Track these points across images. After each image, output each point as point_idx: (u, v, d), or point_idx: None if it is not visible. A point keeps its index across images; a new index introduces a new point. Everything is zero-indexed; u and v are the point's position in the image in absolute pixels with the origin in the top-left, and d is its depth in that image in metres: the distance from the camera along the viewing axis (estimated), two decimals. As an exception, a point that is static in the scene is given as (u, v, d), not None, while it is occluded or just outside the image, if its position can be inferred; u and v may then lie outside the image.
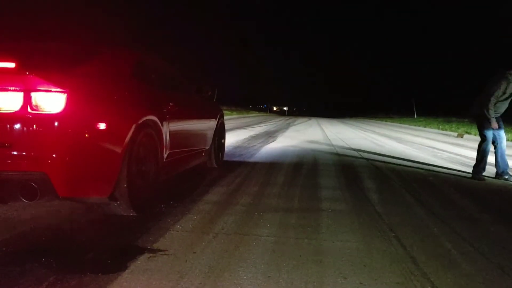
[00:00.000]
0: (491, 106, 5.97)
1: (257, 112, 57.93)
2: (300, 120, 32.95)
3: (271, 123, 23.70)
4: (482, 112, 6.05)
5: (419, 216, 3.80)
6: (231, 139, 9.99)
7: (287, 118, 40.54)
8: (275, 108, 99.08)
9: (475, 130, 20.37)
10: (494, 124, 6.02)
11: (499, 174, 6.23)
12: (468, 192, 5.12)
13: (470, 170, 6.46)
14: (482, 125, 6.26)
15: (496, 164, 6.27)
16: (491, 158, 6.29)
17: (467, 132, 18.62)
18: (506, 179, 6.13)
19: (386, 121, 38.59)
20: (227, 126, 6.99)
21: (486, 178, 6.18)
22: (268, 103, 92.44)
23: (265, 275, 2.33)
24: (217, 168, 5.75)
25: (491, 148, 6.30)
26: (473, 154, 9.44)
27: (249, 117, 33.30)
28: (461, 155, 9.27)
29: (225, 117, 6.41)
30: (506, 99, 6.01)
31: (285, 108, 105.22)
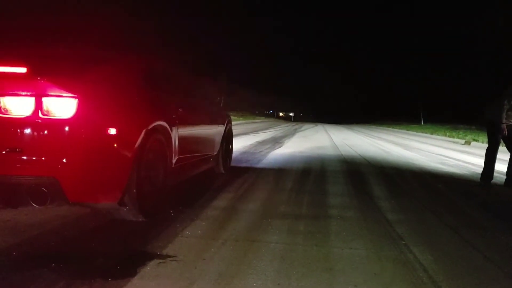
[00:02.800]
0: (502, 112, 5.94)
1: (263, 117, 57.83)
2: (306, 126, 32.91)
3: (278, 128, 23.69)
4: (494, 117, 6.05)
5: (429, 223, 3.77)
6: (238, 144, 9.98)
7: (294, 124, 40.50)
8: (281, 114, 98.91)
9: (482, 137, 20.31)
10: (503, 130, 5.99)
11: (509, 183, 6.17)
12: (477, 200, 5.09)
13: (478, 177, 6.42)
14: (492, 131, 6.25)
15: (509, 172, 6.22)
16: (502, 167, 6.25)
17: (474, 140, 18.53)
18: None
19: (393, 127, 38.49)
20: (234, 131, 6.99)
21: (495, 185, 6.12)
22: (274, 109, 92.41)
23: (275, 283, 2.32)
24: (225, 173, 5.75)
25: (496, 156, 6.29)
26: (481, 162, 9.40)
27: (255, 122, 33.31)
28: (469, 163, 9.22)
29: (232, 123, 6.41)
30: None
31: (291, 114, 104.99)
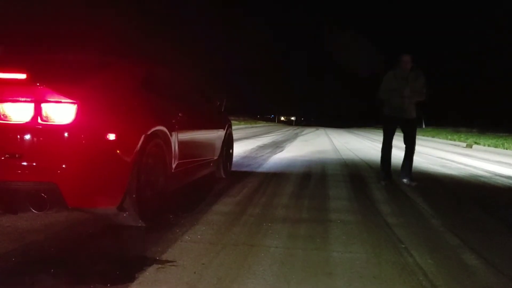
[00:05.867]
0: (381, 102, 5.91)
1: (264, 122, 58.01)
2: (307, 130, 32.93)
3: (279, 133, 23.70)
4: (418, 112, 5.88)
5: (429, 227, 3.76)
6: (239, 149, 9.99)
7: (295, 128, 40.52)
8: (282, 118, 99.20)
9: (484, 140, 20.30)
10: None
11: (403, 175, 6.08)
12: (478, 203, 5.07)
13: (480, 180, 6.41)
14: (416, 126, 6.06)
15: (402, 166, 6.18)
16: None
17: (476, 143, 18.49)
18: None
19: (394, 131, 38.37)
20: (235, 136, 7.00)
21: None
22: (276, 113, 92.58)
23: (274, 287, 2.32)
24: (225, 178, 5.75)
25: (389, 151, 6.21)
26: (483, 165, 9.41)
27: (256, 127, 33.33)
28: (470, 166, 9.20)
29: (233, 127, 6.42)
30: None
31: (292, 118, 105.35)
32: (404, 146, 6.25)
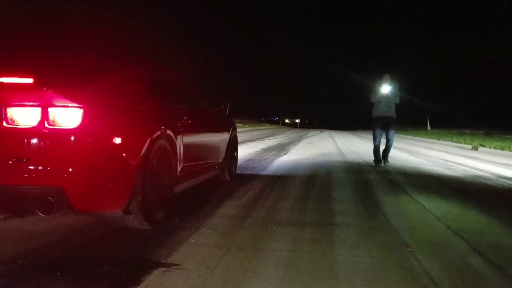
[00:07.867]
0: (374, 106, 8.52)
1: (269, 124, 58.07)
2: (312, 132, 32.89)
3: (283, 135, 23.70)
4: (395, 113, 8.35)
5: (435, 230, 3.76)
6: (244, 151, 10.00)
7: (300, 130, 40.50)
8: (287, 121, 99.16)
9: (489, 142, 20.21)
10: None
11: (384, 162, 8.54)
12: (484, 205, 5.05)
13: (485, 182, 6.37)
14: (395, 126, 8.51)
15: (384, 155, 8.57)
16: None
17: (481, 145, 18.41)
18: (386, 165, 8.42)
19: (399, 133, 38.33)
20: (239, 139, 7.01)
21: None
22: (280, 116, 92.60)
23: (279, 291, 2.32)
24: (230, 181, 5.76)
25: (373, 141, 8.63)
26: (488, 167, 9.37)
27: (261, 129, 33.35)
28: (475, 168, 9.16)
29: (237, 130, 6.43)
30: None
31: (297, 121, 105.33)
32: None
